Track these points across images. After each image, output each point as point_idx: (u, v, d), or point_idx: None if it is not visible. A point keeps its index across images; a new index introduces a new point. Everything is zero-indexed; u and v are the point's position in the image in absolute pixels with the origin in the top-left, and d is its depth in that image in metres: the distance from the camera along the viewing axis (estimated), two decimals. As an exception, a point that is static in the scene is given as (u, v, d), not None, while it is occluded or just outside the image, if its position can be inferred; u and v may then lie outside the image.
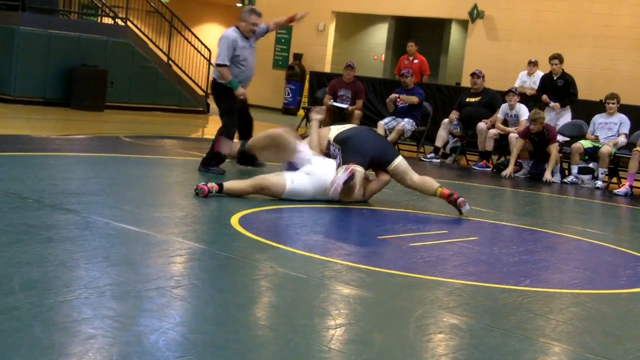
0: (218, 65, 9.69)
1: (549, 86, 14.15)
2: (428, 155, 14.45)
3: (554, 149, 12.59)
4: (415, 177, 8.48)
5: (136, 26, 19.90)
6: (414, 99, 14.54)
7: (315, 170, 8.06)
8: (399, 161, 8.48)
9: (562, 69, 14.18)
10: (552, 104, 13.91)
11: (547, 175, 12.50)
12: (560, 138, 13.22)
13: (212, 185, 7.82)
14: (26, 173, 8.28)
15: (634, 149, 12.17)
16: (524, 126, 13.12)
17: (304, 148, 8.23)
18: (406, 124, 14.35)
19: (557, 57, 14.14)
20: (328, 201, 8.05)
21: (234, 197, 7.87)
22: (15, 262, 4.75)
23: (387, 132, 14.30)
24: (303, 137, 14.14)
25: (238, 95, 9.63)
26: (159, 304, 4.28)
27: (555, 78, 14.14)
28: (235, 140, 9.33)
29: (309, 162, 8.15)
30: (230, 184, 7.97)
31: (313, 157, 8.25)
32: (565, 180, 12.81)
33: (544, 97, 14.00)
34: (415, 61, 17.71)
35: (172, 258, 5.35)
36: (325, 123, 15.15)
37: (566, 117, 14.01)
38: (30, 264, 4.74)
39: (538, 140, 12.72)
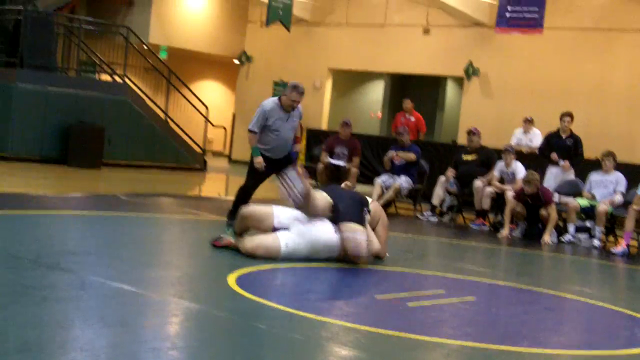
0: (248, 130, 10.13)
1: (555, 144, 14.09)
2: (425, 214, 14.44)
3: (552, 210, 12.53)
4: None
5: (134, 83, 20.03)
6: (412, 156, 14.59)
7: (307, 231, 8.08)
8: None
9: (570, 129, 14.18)
10: (562, 162, 13.89)
11: (546, 238, 12.38)
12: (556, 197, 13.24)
13: (232, 241, 8.16)
14: (22, 232, 8.27)
15: (630, 207, 12.16)
16: (520, 184, 13.09)
17: (278, 212, 8.22)
18: (403, 182, 14.38)
19: (569, 115, 14.12)
20: (325, 260, 8.03)
21: (230, 253, 7.91)
22: (10, 323, 4.72)
23: (384, 190, 14.32)
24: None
25: (255, 164, 9.92)
26: (155, 367, 4.25)
27: (564, 137, 14.13)
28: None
29: (297, 221, 8.17)
30: (238, 240, 8.12)
31: (301, 217, 8.25)
32: (562, 239, 12.78)
33: (554, 155, 13.96)
34: (412, 118, 17.82)
35: (169, 319, 5.33)
36: (322, 181, 15.27)
37: (570, 177, 13.99)
38: (25, 324, 4.71)
39: (532, 202, 12.66)
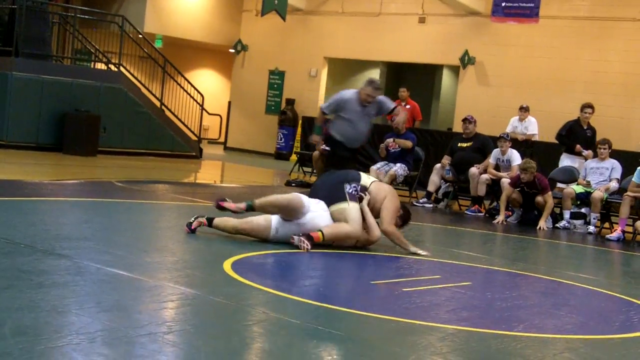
0: (319, 108, 10.66)
1: (577, 134, 14.19)
2: (420, 200, 14.46)
3: (549, 197, 12.58)
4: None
5: (129, 71, 19.99)
6: (408, 143, 14.58)
7: (307, 220, 8.11)
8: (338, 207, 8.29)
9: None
10: (585, 152, 13.95)
11: (542, 224, 12.45)
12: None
13: (201, 221, 8.10)
14: (18, 218, 8.27)
15: (625, 194, 12.20)
16: (516, 171, 13.13)
17: (308, 202, 8.16)
18: (398, 168, 14.39)
19: (591, 107, 14.28)
20: (321, 246, 8.03)
21: (225, 239, 7.91)
22: (6, 307, 4.72)
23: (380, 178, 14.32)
24: (294, 182, 14.18)
25: (310, 138, 10.39)
26: (151, 350, 4.25)
27: (585, 127, 14.23)
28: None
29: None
30: (220, 221, 8.15)
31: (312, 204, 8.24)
32: (557, 225, 12.81)
33: (578, 147, 14.01)
34: (407, 106, 17.82)
35: (164, 303, 5.33)
36: (318, 168, 15.28)
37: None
38: (21, 309, 4.71)
39: (528, 190, 12.70)
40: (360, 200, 8.30)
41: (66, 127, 17.34)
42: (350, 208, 8.15)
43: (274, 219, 8.06)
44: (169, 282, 5.91)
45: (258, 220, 8.11)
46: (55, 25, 19.74)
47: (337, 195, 8.23)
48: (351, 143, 10.39)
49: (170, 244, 7.88)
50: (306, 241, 7.82)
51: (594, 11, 19.46)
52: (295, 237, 7.87)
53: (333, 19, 23.78)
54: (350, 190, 8.27)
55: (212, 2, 25.51)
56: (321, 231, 7.99)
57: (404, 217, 8.60)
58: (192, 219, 8.21)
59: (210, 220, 8.14)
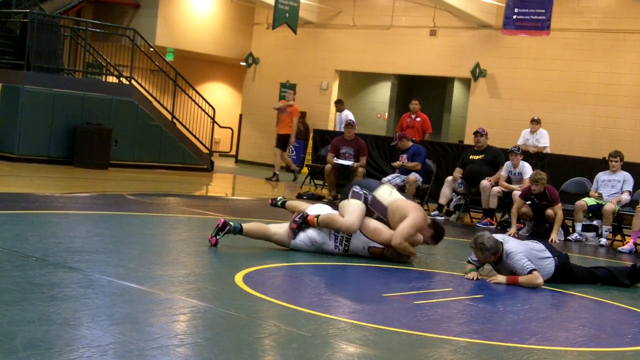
0: None
1: None
2: (432, 213, 14.43)
3: (559, 209, 12.53)
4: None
5: (140, 85, 20.04)
6: (417, 167, 14.67)
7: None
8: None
9: None
10: None
11: (553, 236, 12.40)
12: None
13: (232, 227, 8.30)
14: (30, 231, 8.29)
15: (638, 206, 12.15)
16: (528, 184, 13.08)
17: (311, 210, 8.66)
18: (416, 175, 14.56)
19: None
20: (332, 259, 8.04)
21: (236, 252, 7.93)
22: (18, 320, 4.73)
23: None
24: (306, 195, 14.20)
25: None
26: (162, 363, 4.26)
27: None
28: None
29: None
30: (249, 226, 8.41)
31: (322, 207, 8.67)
32: (569, 237, 12.77)
33: None
34: (418, 119, 17.81)
35: (176, 316, 5.33)
36: (329, 181, 15.35)
37: None
38: (33, 322, 4.72)
39: (538, 201, 12.65)
40: (364, 199, 8.58)
41: (77, 140, 17.40)
42: (350, 203, 8.52)
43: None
44: (181, 295, 5.91)
45: (280, 227, 8.52)
46: (67, 39, 19.82)
47: (346, 193, 8.72)
48: None
49: (181, 257, 7.89)
50: (294, 221, 8.39)
51: (605, 23, 19.45)
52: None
53: (344, 32, 23.82)
54: (356, 190, 8.66)
55: (223, 15, 25.59)
56: (318, 215, 8.39)
57: (435, 236, 8.85)
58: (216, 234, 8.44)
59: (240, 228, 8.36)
